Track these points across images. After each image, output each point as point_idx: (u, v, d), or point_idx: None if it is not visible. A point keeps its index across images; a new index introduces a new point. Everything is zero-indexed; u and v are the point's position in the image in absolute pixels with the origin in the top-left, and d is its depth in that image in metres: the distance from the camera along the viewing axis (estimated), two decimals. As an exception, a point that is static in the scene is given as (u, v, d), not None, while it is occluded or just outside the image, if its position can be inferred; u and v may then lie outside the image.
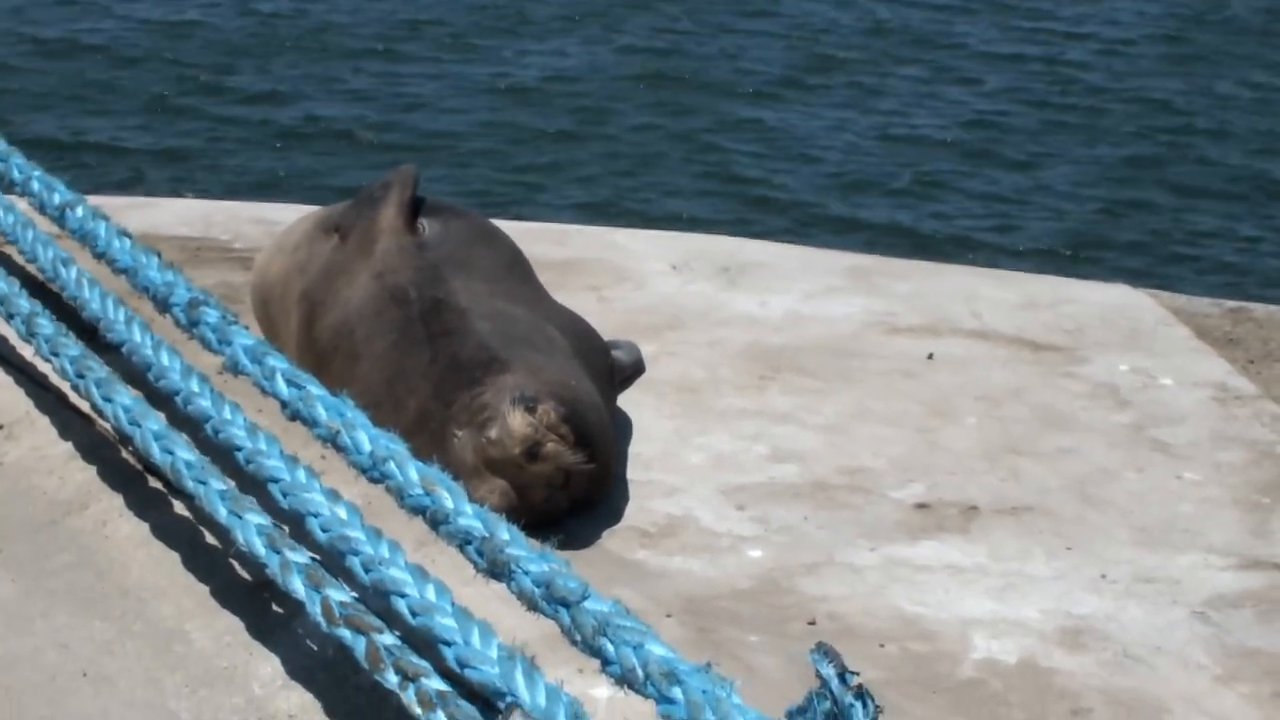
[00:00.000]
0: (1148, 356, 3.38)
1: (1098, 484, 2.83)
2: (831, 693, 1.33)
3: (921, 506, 2.73)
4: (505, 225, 3.27)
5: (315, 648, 2.18)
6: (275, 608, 2.29)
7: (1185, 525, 2.70)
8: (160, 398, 2.40)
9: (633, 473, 2.77)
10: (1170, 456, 2.94)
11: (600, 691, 1.91)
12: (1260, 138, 11.06)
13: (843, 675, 1.34)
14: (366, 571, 1.81)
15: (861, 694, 1.33)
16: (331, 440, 2.07)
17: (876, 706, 1.33)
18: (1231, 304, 3.83)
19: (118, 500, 2.62)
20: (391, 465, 1.96)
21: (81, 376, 2.52)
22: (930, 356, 3.33)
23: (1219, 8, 14.19)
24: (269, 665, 2.19)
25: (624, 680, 1.54)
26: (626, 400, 3.03)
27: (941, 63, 12.45)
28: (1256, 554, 2.62)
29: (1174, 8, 14.33)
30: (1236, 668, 2.30)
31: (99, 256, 2.76)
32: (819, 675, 1.34)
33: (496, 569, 1.75)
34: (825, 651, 1.36)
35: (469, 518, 1.82)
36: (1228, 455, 2.95)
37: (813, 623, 2.33)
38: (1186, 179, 10.22)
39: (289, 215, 3.69)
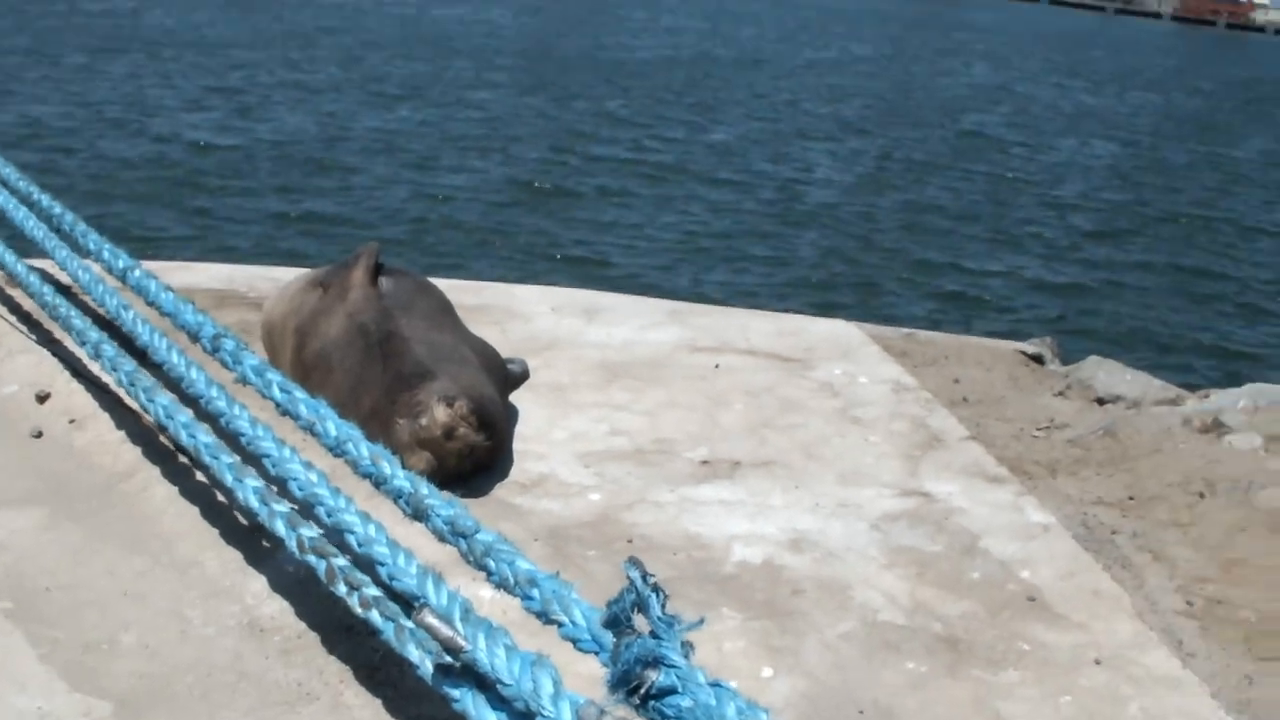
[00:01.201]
0: (852, 364, 3.45)
1: (816, 446, 2.88)
2: (636, 588, 1.33)
3: (705, 463, 2.75)
4: (438, 281, 3.22)
5: (291, 570, 2.12)
6: (264, 543, 2.23)
7: (868, 470, 2.77)
8: (189, 400, 2.31)
9: (516, 444, 2.75)
10: (862, 427, 3.01)
11: (485, 593, 1.88)
12: (947, 224, 11.44)
13: (644, 576, 1.34)
14: (328, 516, 1.76)
15: (657, 588, 1.33)
16: (309, 429, 2.01)
17: (666, 595, 1.32)
18: (905, 330, 3.93)
19: (156, 471, 2.52)
20: (350, 445, 1.90)
21: (133, 385, 2.40)
22: (716, 366, 3.36)
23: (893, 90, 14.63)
24: (259, 583, 2.13)
25: (501, 585, 1.52)
26: (516, 397, 3.00)
27: (713, 178, 12.75)
28: (910, 487, 2.69)
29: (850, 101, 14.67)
30: (894, 559, 2.36)
31: (150, 304, 2.63)
32: (629, 577, 1.33)
33: (419, 513, 1.72)
34: (633, 561, 1.35)
35: (401, 480, 1.78)
36: (896, 425, 3.03)
37: (630, 541, 2.34)
38: (884, 258, 10.59)
39: (288, 275, 3.58)
